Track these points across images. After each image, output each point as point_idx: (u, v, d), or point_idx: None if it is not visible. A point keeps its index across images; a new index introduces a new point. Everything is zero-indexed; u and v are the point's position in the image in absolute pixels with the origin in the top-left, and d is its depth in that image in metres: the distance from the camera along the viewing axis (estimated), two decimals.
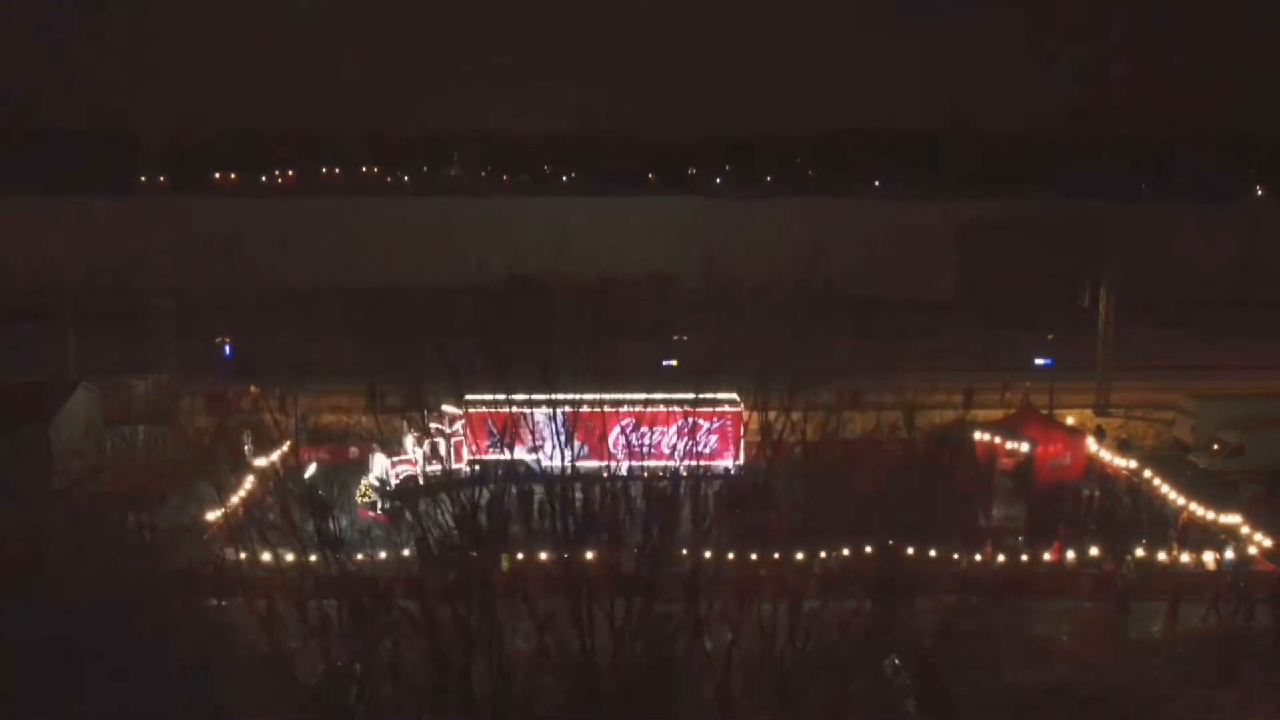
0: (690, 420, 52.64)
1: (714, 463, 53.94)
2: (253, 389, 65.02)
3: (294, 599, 38.51)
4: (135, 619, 36.90)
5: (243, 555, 40.80)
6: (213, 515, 44.59)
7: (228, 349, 62.92)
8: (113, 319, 76.99)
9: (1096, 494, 50.53)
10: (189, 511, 48.80)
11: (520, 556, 41.13)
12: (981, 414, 63.91)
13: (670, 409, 54.05)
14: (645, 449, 53.48)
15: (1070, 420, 59.95)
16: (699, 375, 58.25)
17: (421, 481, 51.37)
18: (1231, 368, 76.86)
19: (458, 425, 52.59)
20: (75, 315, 74.19)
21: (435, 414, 53.87)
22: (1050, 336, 62.92)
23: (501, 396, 54.43)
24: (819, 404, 64.02)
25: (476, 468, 52.84)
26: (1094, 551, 41.36)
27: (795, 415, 61.98)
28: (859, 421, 63.26)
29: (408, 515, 46.86)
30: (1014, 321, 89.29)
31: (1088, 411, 63.66)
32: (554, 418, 52.56)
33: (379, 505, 48.06)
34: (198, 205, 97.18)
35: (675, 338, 63.67)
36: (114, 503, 48.47)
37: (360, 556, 40.96)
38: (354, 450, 56.98)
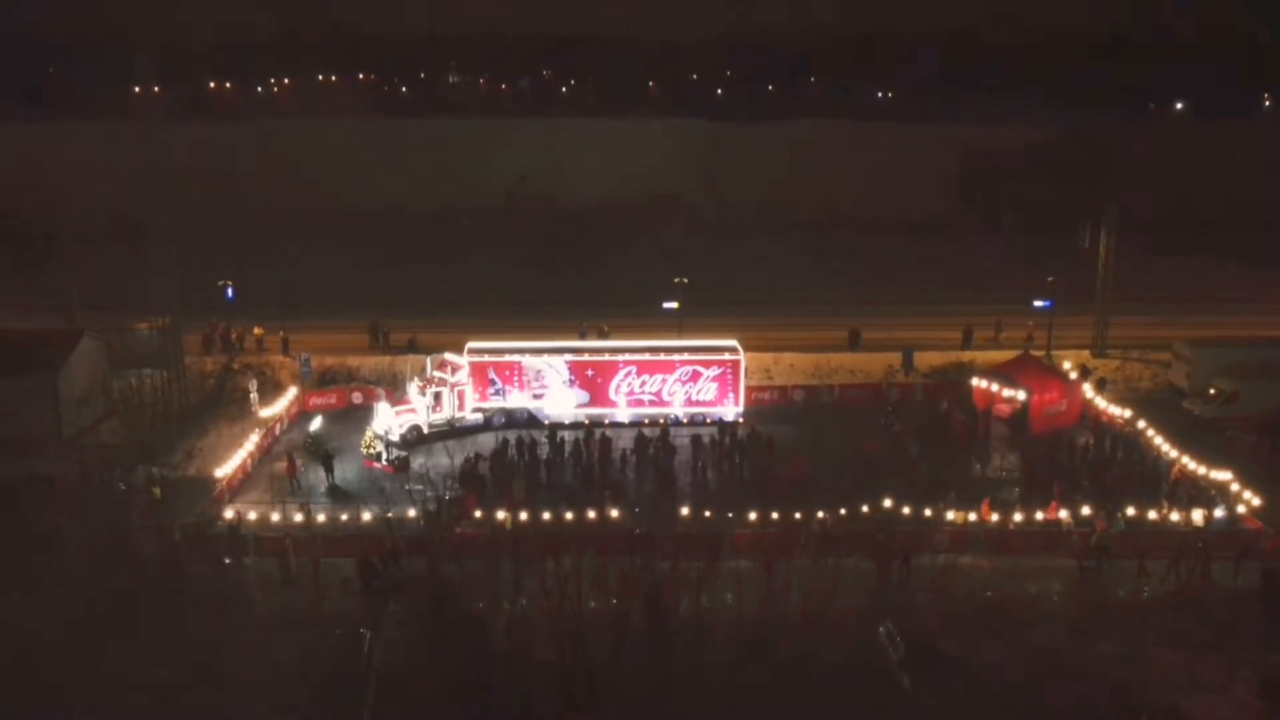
0: (690, 368, 53.41)
1: (714, 409, 54.46)
2: (257, 330, 65.45)
3: (304, 558, 39.52)
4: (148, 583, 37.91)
5: (252, 516, 41.65)
6: (221, 471, 45.09)
7: (230, 291, 63.06)
8: (110, 244, 77.51)
9: (1091, 441, 51.22)
10: (197, 464, 49.54)
11: (524, 516, 41.90)
12: (980, 356, 64.55)
13: (671, 357, 54.51)
14: (646, 397, 54.15)
15: (1067, 365, 60.32)
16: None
17: (426, 430, 51.88)
18: (1239, 299, 76.98)
19: (461, 374, 52.97)
20: (73, 247, 74.58)
21: (439, 362, 54.35)
22: (1050, 278, 62.89)
23: (504, 345, 55.23)
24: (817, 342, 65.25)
25: (480, 416, 53.55)
26: (1086, 511, 42.15)
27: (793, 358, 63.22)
28: (858, 361, 64.26)
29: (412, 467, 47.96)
30: (1015, 250, 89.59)
31: (1085, 352, 64.10)
32: (556, 366, 53.46)
33: (383, 456, 48.62)
34: (190, 130, 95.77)
35: (676, 280, 63.54)
36: (123, 454, 49.04)
37: (368, 517, 41.92)
38: (357, 395, 57.47)
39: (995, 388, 54.67)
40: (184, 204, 75.54)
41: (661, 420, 52.80)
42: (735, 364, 54.39)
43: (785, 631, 36.33)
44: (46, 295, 65.89)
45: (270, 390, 59.12)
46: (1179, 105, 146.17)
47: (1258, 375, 54.40)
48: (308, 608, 37.97)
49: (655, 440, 49.84)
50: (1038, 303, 64.04)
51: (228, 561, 39.81)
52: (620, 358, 54.23)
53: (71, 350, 52.44)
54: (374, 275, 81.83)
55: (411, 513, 41.97)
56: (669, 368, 54.18)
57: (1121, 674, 34.01)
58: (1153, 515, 42.42)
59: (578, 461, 48.73)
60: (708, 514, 42.08)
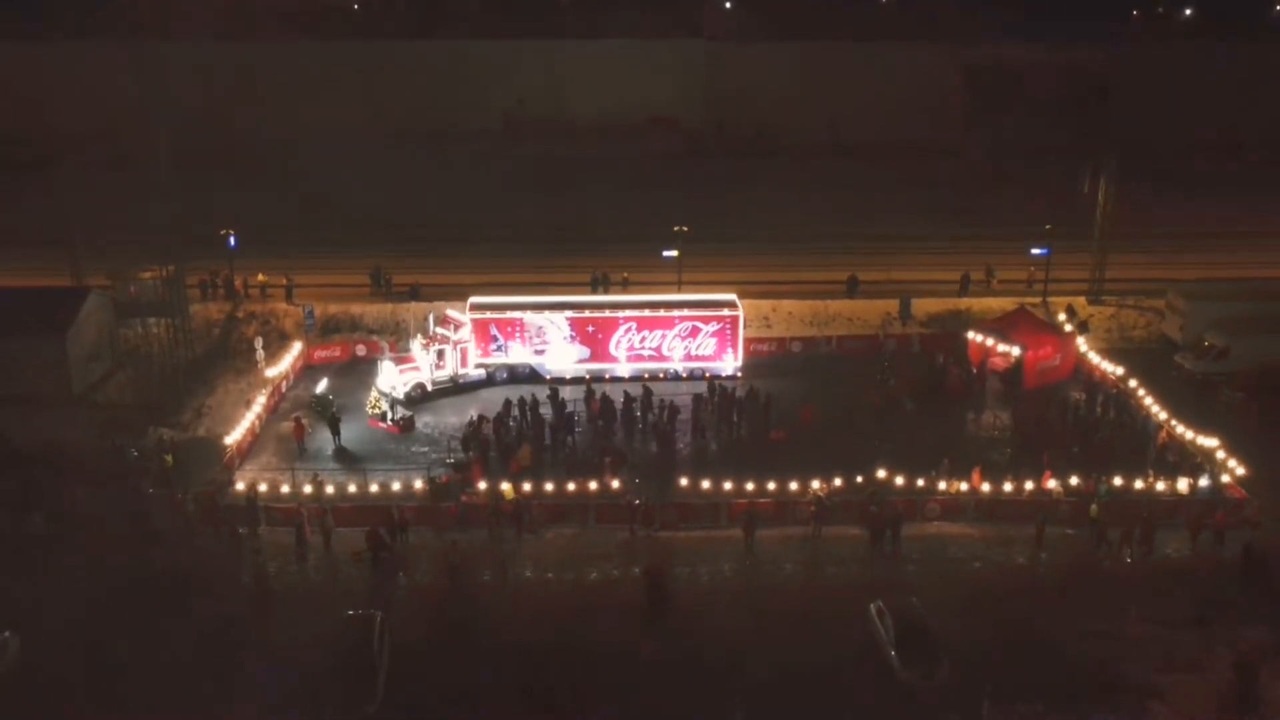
0: (690, 324, 54.14)
1: (713, 364, 55.31)
2: (260, 276, 65.89)
3: (314, 530, 40.68)
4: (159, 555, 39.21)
5: (262, 487, 42.71)
6: (230, 438, 46.07)
7: (232, 239, 63.25)
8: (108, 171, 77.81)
9: (1082, 398, 52.22)
10: (206, 423, 50.55)
11: (527, 488, 42.98)
12: (977, 303, 65.18)
13: (670, 313, 55.14)
14: (646, 352, 54.96)
15: (1061, 317, 60.94)
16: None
17: (430, 388, 52.78)
18: (1242, 235, 77.25)
19: (463, 331, 53.66)
20: (72, 176, 74.99)
21: (441, 319, 54.99)
22: (1048, 226, 63.18)
23: (505, 300, 55.89)
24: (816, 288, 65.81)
25: (482, 372, 54.41)
26: (1074, 481, 43.25)
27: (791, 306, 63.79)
28: (856, 308, 64.87)
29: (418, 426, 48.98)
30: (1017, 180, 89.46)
31: (1081, 299, 64.68)
32: (557, 323, 54.17)
33: (388, 416, 49.59)
34: (178, 51, 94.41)
35: (675, 229, 63.76)
36: (133, 415, 50.01)
37: (375, 489, 43.03)
38: (361, 348, 58.23)
39: (990, 342, 55.44)
40: (176, 128, 76.22)
41: (661, 374, 54.21)
42: (734, 319, 55.05)
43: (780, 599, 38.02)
44: (44, 224, 65.71)
45: (275, 340, 59.83)
46: (1187, 12, 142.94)
47: (1249, 330, 55.03)
48: (322, 582, 39.17)
49: (644, 400, 50.64)
50: (1035, 250, 64.40)
51: (242, 531, 40.81)
52: (620, 314, 54.86)
53: (79, 309, 53.08)
54: (371, 201, 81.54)
55: (418, 484, 43.14)
56: (668, 324, 54.87)
57: (1102, 651, 35.40)
58: (1139, 484, 43.38)
59: (579, 423, 49.81)
60: (705, 485, 43.23)
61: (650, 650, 34.69)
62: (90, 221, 62.99)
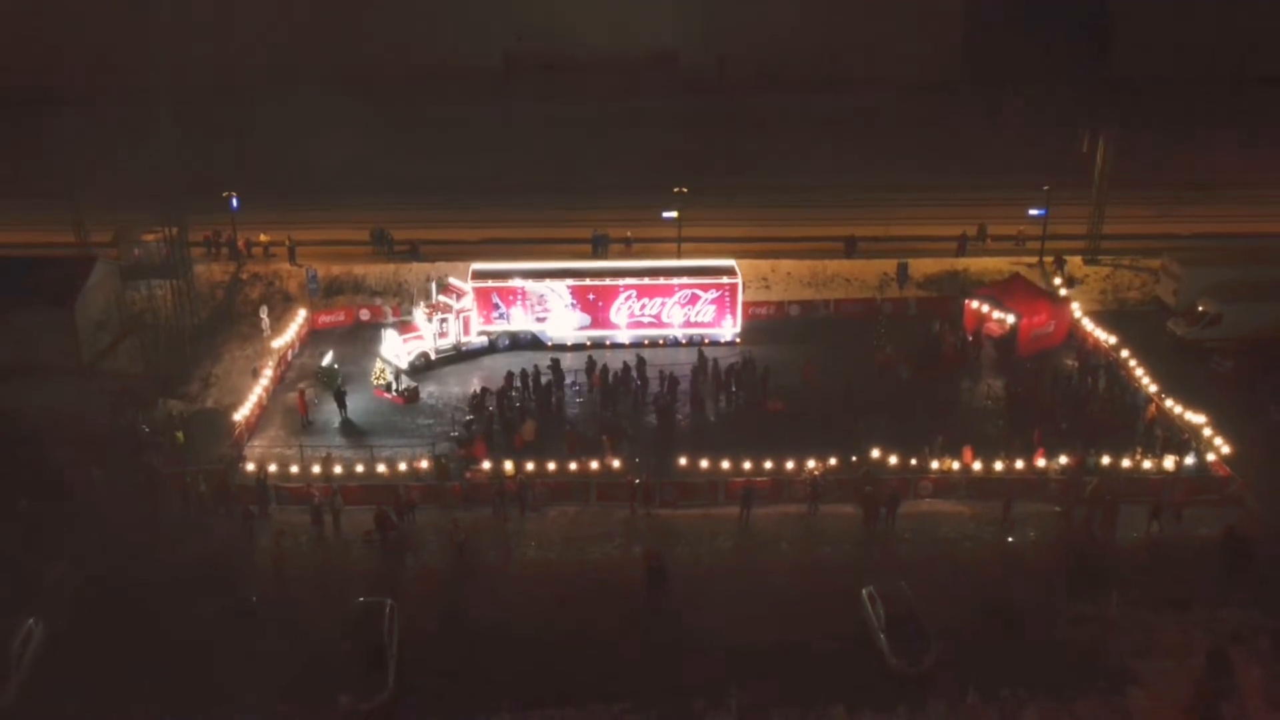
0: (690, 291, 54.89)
1: (712, 330, 56.12)
2: (263, 236, 66.33)
3: (325, 510, 41.81)
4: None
5: (272, 467, 43.78)
6: (239, 415, 47.02)
7: (234, 201, 63.47)
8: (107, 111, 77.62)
9: (1074, 365, 53.16)
10: (214, 394, 51.46)
11: (530, 467, 44.04)
12: (974, 264, 65.74)
13: (670, 281, 55.77)
14: (646, 319, 55.74)
15: (1057, 282, 61.60)
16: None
17: (433, 357, 53.62)
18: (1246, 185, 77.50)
19: (465, 300, 54.33)
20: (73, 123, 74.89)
21: (444, 287, 55.63)
22: (1046, 187, 63.37)
23: (507, 266, 56.55)
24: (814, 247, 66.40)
25: (485, 339, 55.25)
26: (1064, 460, 44.39)
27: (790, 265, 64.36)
28: (854, 269, 65.47)
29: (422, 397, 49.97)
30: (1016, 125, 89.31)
31: (1077, 258, 65.23)
32: (559, 291, 54.84)
33: (393, 387, 50.50)
34: None
35: (675, 190, 64.05)
36: (142, 386, 50.86)
37: (383, 469, 44.11)
38: (365, 313, 58.94)
39: (986, 309, 56.16)
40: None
41: (661, 341, 55.44)
42: (733, 287, 55.71)
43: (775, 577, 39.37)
44: (47, 174, 66.32)
45: (279, 303, 60.58)
46: None
47: (1242, 297, 55.69)
48: (334, 563, 40.30)
49: (640, 370, 51.59)
50: (1033, 211, 64.83)
51: (253, 510, 41.94)
52: (621, 282, 55.48)
53: (86, 278, 53.70)
54: (366, 148, 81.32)
55: (424, 464, 44.21)
56: (668, 291, 55.55)
57: (1083, 635, 36.76)
58: (1126, 463, 44.46)
59: (580, 397, 50.85)
60: (704, 464, 44.33)
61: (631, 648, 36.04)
62: (95, 170, 63.47)
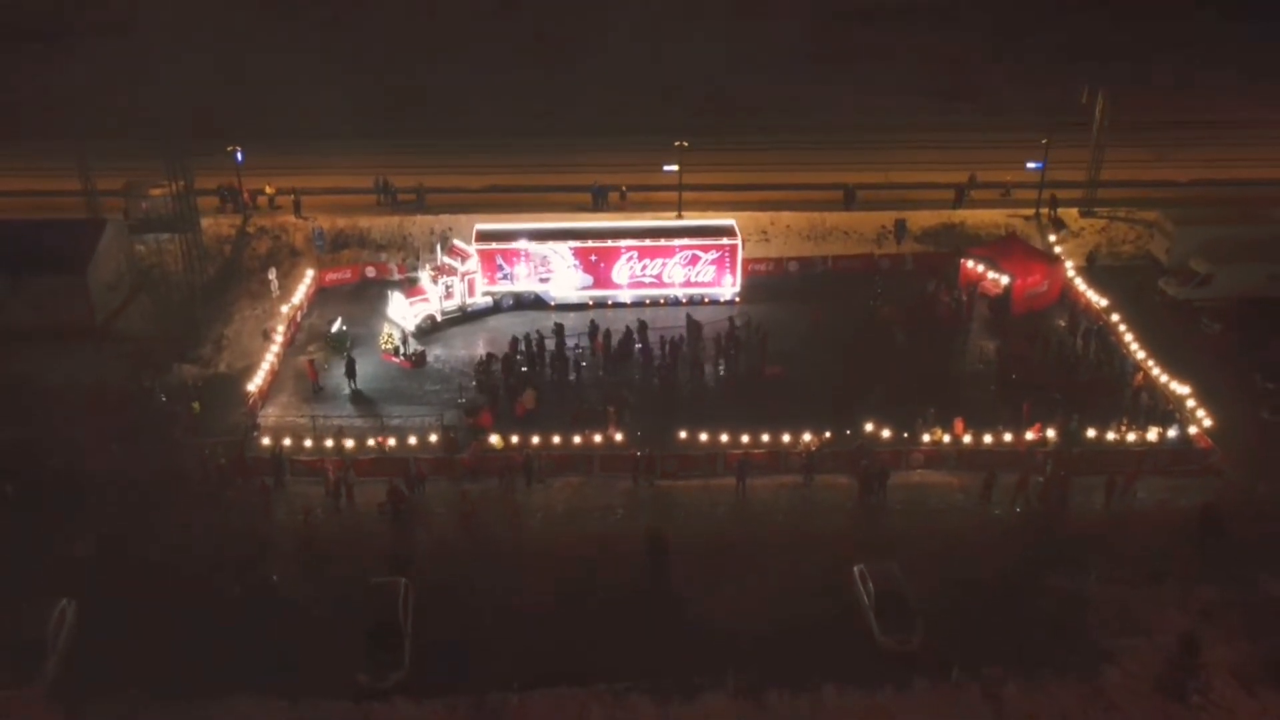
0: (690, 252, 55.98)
1: (711, 289, 57.24)
2: (268, 188, 66.95)
3: (337, 483, 43.43)
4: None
5: (286, 441, 45.31)
6: (252, 385, 48.39)
7: (239, 154, 63.94)
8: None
9: (1064, 324, 54.51)
10: (226, 357, 52.77)
11: (536, 440, 45.59)
12: (970, 216, 66.49)
13: (671, 242, 56.71)
14: (647, 279, 56.82)
15: (1052, 239, 62.43)
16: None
17: (439, 319, 54.81)
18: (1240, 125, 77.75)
19: (470, 262, 55.32)
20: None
21: (449, 249, 56.59)
22: (1044, 140, 63.76)
23: (511, 227, 57.49)
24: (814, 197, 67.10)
25: (489, 299, 56.43)
26: (1051, 434, 45.93)
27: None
28: (852, 221, 66.28)
29: (429, 361, 51.39)
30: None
31: (1073, 210, 65.92)
32: (561, 252, 55.83)
33: (400, 351, 51.81)
34: None
35: (676, 143, 64.48)
36: (156, 350, 52.18)
37: (392, 442, 45.65)
38: (371, 270, 59.94)
39: (981, 269, 57.16)
40: None
41: (662, 300, 56.83)
42: (733, 248, 56.65)
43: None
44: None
45: (286, 257, 61.60)
46: None
47: (1233, 258, 56.66)
48: (349, 538, 41.87)
49: (641, 332, 52.90)
50: (1031, 164, 65.42)
51: (269, 481, 43.61)
52: (623, 243, 56.42)
53: (97, 241, 54.58)
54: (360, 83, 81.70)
55: (433, 438, 45.74)
56: (669, 252, 56.52)
57: (1061, 611, 38.62)
58: (1111, 436, 46.01)
59: (583, 362, 52.19)
60: (704, 437, 45.88)
61: None
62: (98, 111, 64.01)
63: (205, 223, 62.33)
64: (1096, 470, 44.30)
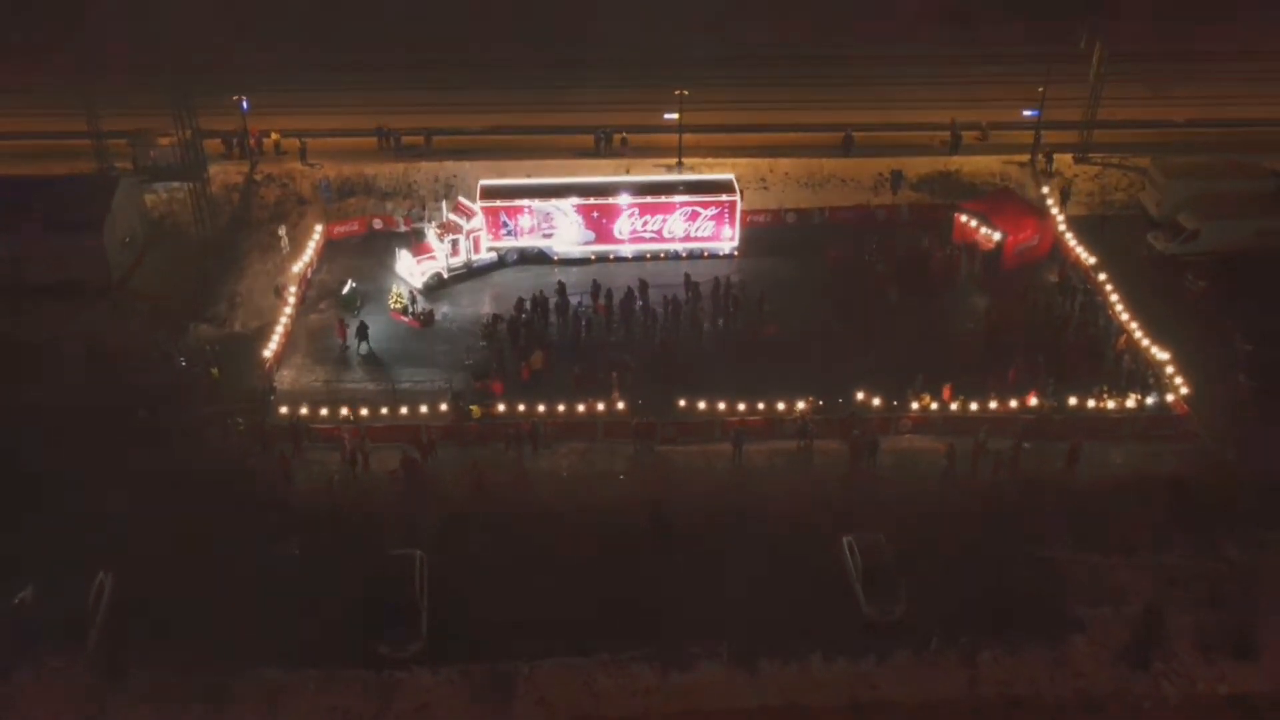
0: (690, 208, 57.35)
1: (711, 244, 58.67)
2: (274, 134, 67.68)
3: (354, 451, 45.52)
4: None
5: (303, 410, 47.25)
6: (267, 351, 50.11)
7: (244, 103, 64.52)
8: None
9: (1054, 280, 56.05)
10: (240, 316, 54.38)
11: (541, 409, 47.60)
12: (966, 163, 67.42)
13: (672, 199, 57.92)
14: (648, 234, 58.23)
15: (1044, 191, 63.46)
16: None
17: (446, 275, 56.34)
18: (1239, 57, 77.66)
19: (475, 220, 56.60)
20: None
21: (454, 206, 57.82)
22: (1041, 88, 64.34)
23: (515, 183, 58.70)
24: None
25: (494, 255, 57.92)
26: (1034, 402, 47.93)
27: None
28: (850, 168, 67.23)
29: (437, 318, 53.09)
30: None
31: (1068, 157, 66.72)
32: (564, 209, 57.11)
33: (409, 310, 53.47)
34: None
35: (676, 91, 65.08)
36: (172, 309, 53.82)
37: (405, 410, 47.52)
38: (378, 222, 61.19)
39: (974, 224, 58.45)
40: None
41: (662, 254, 58.43)
42: (732, 204, 57.91)
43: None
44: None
45: (293, 206, 62.82)
46: None
47: (1220, 214, 57.91)
48: (364, 509, 43.87)
49: (643, 290, 54.49)
50: (1026, 111, 66.15)
51: (289, 452, 45.63)
52: (624, 200, 57.64)
53: (110, 199, 55.75)
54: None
55: (443, 407, 47.70)
56: (669, 209, 57.80)
57: (1036, 579, 40.94)
58: (1092, 404, 48.03)
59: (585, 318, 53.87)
60: (701, 405, 47.89)
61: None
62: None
63: (213, 170, 63.23)
64: (1068, 437, 46.42)
